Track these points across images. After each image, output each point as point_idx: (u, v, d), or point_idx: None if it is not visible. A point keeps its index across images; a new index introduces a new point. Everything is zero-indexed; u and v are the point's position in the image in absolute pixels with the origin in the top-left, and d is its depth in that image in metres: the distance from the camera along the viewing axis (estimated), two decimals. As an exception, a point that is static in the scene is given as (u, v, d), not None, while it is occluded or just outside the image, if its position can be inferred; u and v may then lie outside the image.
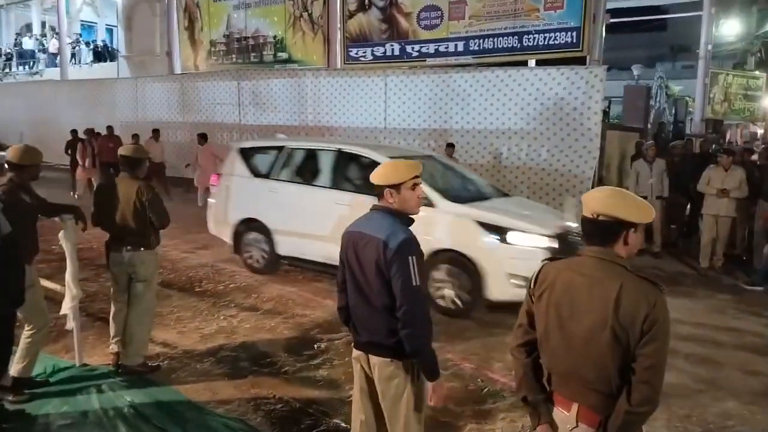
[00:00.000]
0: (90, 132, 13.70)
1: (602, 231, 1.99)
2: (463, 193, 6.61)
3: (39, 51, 24.08)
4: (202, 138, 12.62)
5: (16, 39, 26.51)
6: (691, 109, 17.94)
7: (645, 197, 8.37)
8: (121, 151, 4.52)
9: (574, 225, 6.01)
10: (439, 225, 5.92)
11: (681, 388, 4.45)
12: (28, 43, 25.42)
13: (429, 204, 5.83)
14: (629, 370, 1.89)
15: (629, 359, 1.89)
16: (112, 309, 4.60)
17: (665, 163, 8.95)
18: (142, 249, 4.41)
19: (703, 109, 16.45)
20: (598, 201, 2.00)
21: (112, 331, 4.57)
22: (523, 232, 5.66)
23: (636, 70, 18.04)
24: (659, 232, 8.85)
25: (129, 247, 4.39)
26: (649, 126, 14.56)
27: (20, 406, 3.82)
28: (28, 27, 27.35)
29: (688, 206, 9.65)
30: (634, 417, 1.89)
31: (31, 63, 24.48)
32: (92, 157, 13.15)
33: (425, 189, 5.73)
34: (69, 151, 13.94)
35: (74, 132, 14.10)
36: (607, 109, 16.87)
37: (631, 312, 1.86)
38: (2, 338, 3.56)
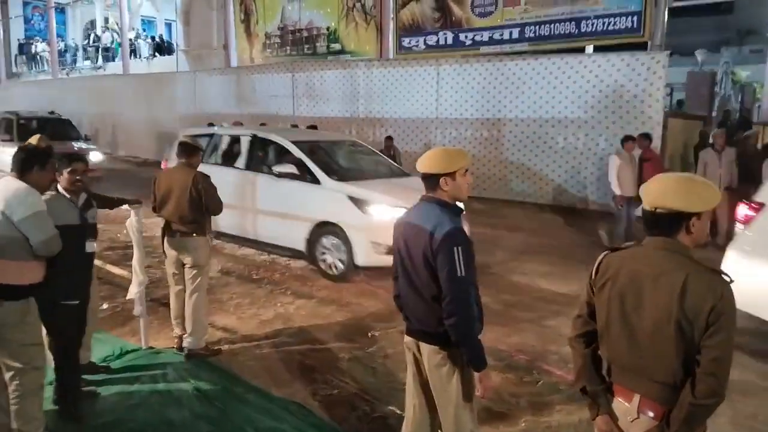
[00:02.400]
0: (237, 123, 12.71)
1: (663, 223, 1.94)
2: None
3: (117, 44, 24.91)
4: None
5: (88, 34, 27.54)
6: (759, 96, 17.07)
7: None
8: (181, 139, 4.73)
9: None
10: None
11: (747, 385, 4.29)
12: (106, 38, 26.40)
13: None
14: (694, 362, 1.85)
15: (694, 351, 1.85)
16: (172, 293, 4.82)
17: (735, 153, 8.53)
18: (194, 235, 4.60)
19: (772, 95, 15.62)
20: (656, 193, 1.95)
21: (172, 313, 4.80)
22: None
23: (700, 55, 17.29)
24: (725, 225, 8.48)
25: (185, 234, 4.59)
26: (713, 114, 13.97)
27: (91, 388, 4.02)
28: (92, 23, 28.44)
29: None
30: (699, 409, 1.85)
31: (111, 56, 25.39)
32: None
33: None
34: None
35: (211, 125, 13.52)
36: (670, 97, 16.27)
37: (696, 303, 1.82)
38: (62, 332, 3.73)
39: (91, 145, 14.55)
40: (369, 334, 5.16)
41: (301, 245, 6.97)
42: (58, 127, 14.37)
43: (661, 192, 1.94)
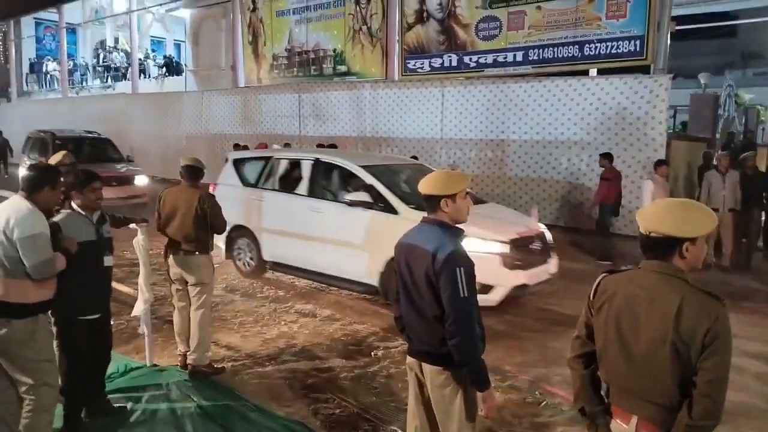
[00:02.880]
0: (237, 146, 12.35)
1: (657, 247, 1.99)
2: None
3: (127, 64, 25.26)
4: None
5: (97, 54, 27.93)
6: (763, 119, 17.16)
7: (716, 209, 8.04)
8: (183, 161, 4.85)
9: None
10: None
11: (750, 407, 4.28)
12: (117, 58, 26.79)
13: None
14: (690, 384, 1.88)
15: (690, 373, 1.88)
16: (175, 313, 4.88)
17: (738, 175, 8.55)
18: (198, 253, 4.69)
19: (776, 117, 15.71)
20: (650, 218, 1.99)
21: (176, 329, 4.86)
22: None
23: (703, 78, 17.33)
24: (729, 246, 8.49)
25: (188, 251, 4.67)
26: (717, 136, 14.01)
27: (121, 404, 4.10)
28: (102, 44, 28.86)
29: (762, 219, 9.17)
30: (695, 431, 1.87)
31: (120, 76, 25.73)
32: None
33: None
34: None
35: (237, 146, 12.52)
36: (674, 119, 16.34)
37: (692, 326, 1.85)
38: (81, 347, 3.77)
39: (135, 167, 13.28)
40: (371, 354, 5.17)
41: (373, 279, 6.32)
42: (98, 148, 13.57)
43: (655, 217, 1.99)
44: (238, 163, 8.02)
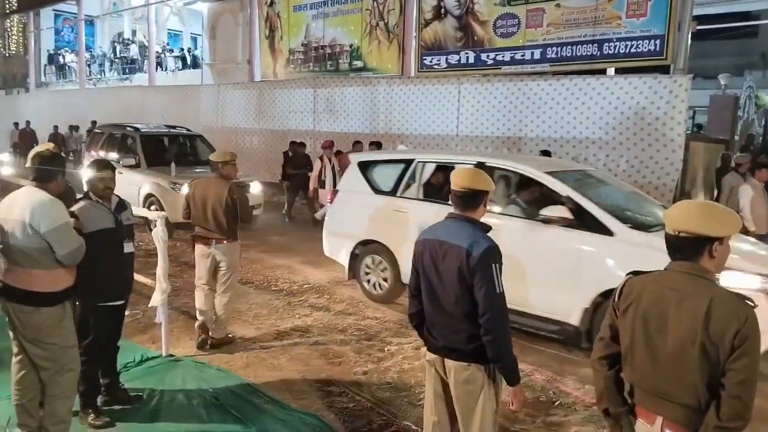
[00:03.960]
0: (357, 145, 11.00)
1: (686, 247, 1.98)
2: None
3: (144, 57, 25.42)
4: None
5: (115, 46, 28.14)
6: (783, 120, 16.96)
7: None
8: (212, 157, 5.14)
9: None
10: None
11: (766, 412, 4.23)
12: (134, 50, 26.99)
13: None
14: (718, 386, 1.86)
15: (718, 375, 1.86)
16: (200, 294, 5.08)
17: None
18: (227, 241, 4.95)
19: (796, 120, 15.52)
20: (679, 218, 1.98)
21: (200, 312, 5.08)
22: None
23: (723, 79, 17.17)
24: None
25: (220, 240, 4.93)
26: (736, 138, 13.86)
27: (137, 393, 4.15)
28: (119, 36, 29.05)
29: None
30: None
31: (136, 68, 25.90)
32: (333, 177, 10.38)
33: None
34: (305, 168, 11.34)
35: (357, 144, 11.12)
36: (692, 119, 16.18)
37: (721, 327, 1.84)
38: (103, 334, 3.81)
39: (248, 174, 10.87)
40: (385, 349, 5.17)
41: (573, 318, 5.04)
42: (193, 147, 11.38)
43: (684, 216, 1.98)
44: (365, 167, 6.80)
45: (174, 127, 11.86)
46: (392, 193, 6.42)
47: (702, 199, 9.68)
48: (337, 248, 6.90)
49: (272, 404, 4.05)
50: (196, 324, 5.08)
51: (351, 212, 6.77)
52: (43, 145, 3.46)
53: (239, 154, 11.40)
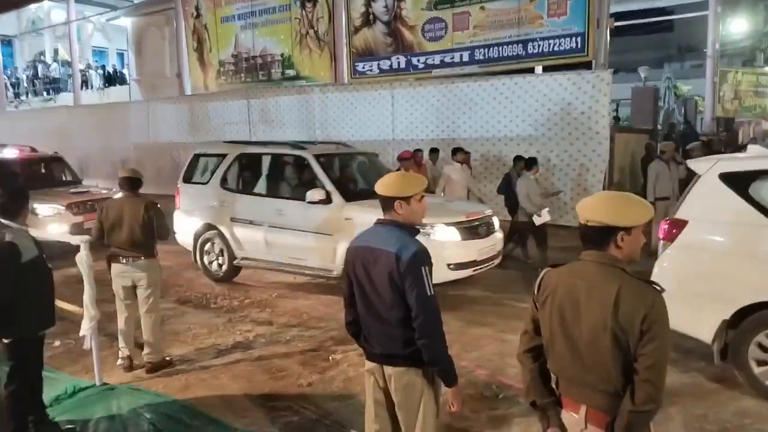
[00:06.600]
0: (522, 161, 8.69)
1: (593, 236, 2.04)
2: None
3: (68, 77, 24.42)
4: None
5: (35, 66, 26.91)
6: (701, 109, 17.85)
7: (667, 198, 8.33)
8: (122, 173, 5.04)
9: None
10: None
11: (696, 387, 4.44)
12: (56, 70, 25.88)
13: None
14: (632, 371, 1.93)
15: (631, 360, 1.93)
16: (122, 317, 5.00)
17: (685, 167, 8.87)
18: (143, 259, 4.89)
19: (713, 108, 16.35)
20: (587, 208, 2.06)
21: (123, 338, 4.99)
22: None
23: (643, 72, 17.97)
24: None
25: (137, 257, 4.85)
26: (659, 127, 14.51)
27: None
28: (41, 55, 27.86)
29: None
30: (639, 416, 1.92)
31: (61, 87, 24.82)
32: None
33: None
34: None
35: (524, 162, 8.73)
36: (616, 112, 16.83)
37: (629, 313, 1.90)
38: (36, 365, 3.66)
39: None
40: (330, 358, 5.14)
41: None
42: (367, 169, 8.31)
43: (593, 207, 2.05)
44: (738, 182, 4.30)
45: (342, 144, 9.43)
46: None
47: (626, 188, 10.07)
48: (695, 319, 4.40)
49: (214, 425, 3.96)
50: (120, 355, 5.01)
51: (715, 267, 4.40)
52: None
53: (174, 168, 11.08)
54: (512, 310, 6.30)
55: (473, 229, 6.62)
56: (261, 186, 7.69)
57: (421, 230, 2.78)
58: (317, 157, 7.26)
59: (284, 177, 7.74)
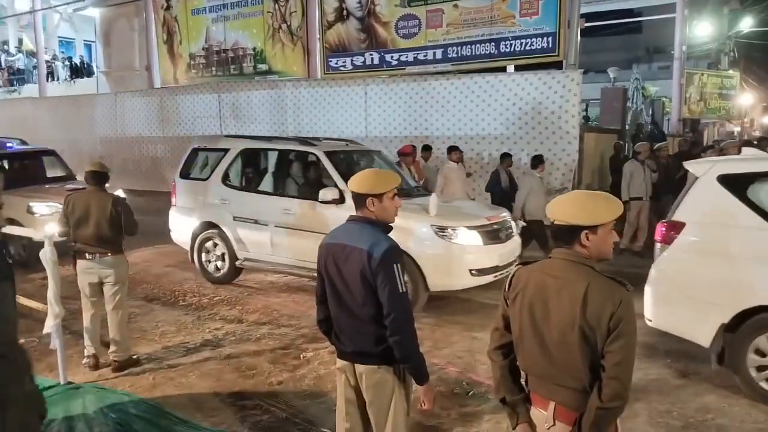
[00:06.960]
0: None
1: (562, 234, 2.08)
2: None
3: (33, 68, 23.73)
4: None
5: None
6: (668, 110, 18.22)
7: (640, 198, 8.66)
8: (88, 167, 4.91)
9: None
10: None
11: (662, 383, 4.53)
12: (20, 60, 25.15)
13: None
14: (600, 368, 1.95)
15: (598, 357, 1.95)
16: (87, 315, 4.88)
17: (654, 164, 9.14)
18: (110, 255, 4.80)
19: (679, 109, 16.71)
20: (555, 207, 2.10)
21: (89, 336, 4.87)
22: None
23: (612, 72, 18.25)
24: (646, 232, 8.88)
25: (104, 253, 4.75)
26: (627, 127, 14.77)
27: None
28: (4, 44, 27.05)
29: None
30: (606, 412, 1.95)
31: (24, 79, 24.13)
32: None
33: None
34: None
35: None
36: (585, 112, 17.07)
37: (597, 311, 1.93)
38: None
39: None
40: (301, 356, 5.11)
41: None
42: (376, 167, 7.27)
43: (561, 206, 2.09)
44: (736, 185, 4.27)
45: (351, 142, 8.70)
46: None
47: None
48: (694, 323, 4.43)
49: (181, 425, 3.90)
50: (85, 353, 4.91)
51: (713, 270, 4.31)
52: None
53: (143, 163, 10.76)
54: (482, 307, 6.36)
55: (494, 233, 6.34)
56: (266, 183, 7.38)
57: (392, 227, 2.76)
58: (329, 154, 6.92)
59: (291, 174, 7.40)
